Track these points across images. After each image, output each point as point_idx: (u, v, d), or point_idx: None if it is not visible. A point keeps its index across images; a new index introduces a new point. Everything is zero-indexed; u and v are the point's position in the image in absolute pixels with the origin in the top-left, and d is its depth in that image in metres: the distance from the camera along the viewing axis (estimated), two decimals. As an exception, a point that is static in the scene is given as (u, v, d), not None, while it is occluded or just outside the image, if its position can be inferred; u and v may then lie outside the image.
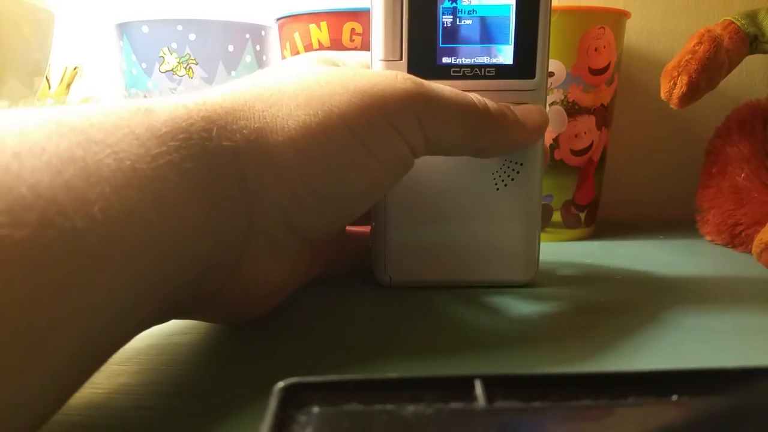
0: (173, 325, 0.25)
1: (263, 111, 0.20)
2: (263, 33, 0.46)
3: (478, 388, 0.14)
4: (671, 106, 0.38)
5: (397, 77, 0.22)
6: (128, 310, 0.16)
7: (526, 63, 0.27)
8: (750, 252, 0.36)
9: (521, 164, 0.29)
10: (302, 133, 0.20)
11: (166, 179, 0.17)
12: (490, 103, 0.25)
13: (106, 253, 0.15)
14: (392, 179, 0.23)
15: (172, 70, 0.44)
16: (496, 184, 0.29)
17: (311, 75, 0.22)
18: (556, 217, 0.42)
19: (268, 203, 0.20)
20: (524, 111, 0.26)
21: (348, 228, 0.33)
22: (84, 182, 0.15)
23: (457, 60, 0.27)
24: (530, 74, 0.27)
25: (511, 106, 0.26)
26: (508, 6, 0.27)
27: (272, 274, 0.22)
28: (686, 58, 0.38)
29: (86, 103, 0.49)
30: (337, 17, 0.39)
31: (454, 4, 0.27)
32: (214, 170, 0.19)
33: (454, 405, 0.14)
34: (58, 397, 0.15)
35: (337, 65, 0.25)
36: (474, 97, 0.24)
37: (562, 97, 0.40)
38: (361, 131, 0.21)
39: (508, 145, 0.26)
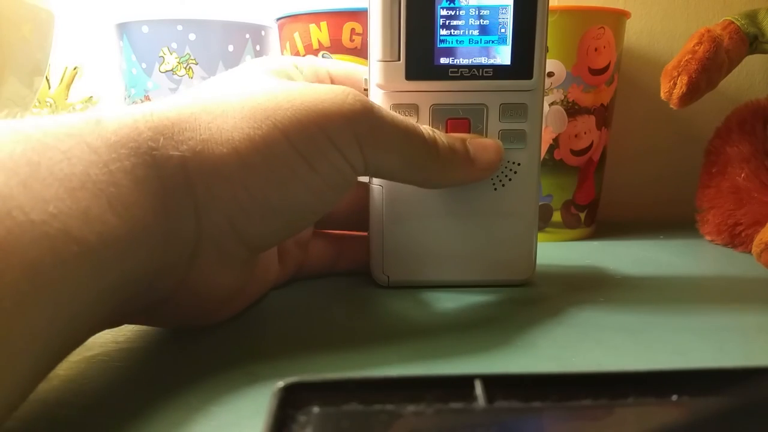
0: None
1: (209, 122, 0.21)
2: (263, 33, 0.46)
3: (478, 388, 0.14)
4: (671, 106, 0.38)
5: (347, 96, 0.22)
6: (89, 304, 0.16)
7: (523, 63, 0.27)
8: (750, 252, 0.36)
9: (519, 164, 0.29)
10: (246, 145, 0.21)
11: (119, 184, 0.17)
12: (441, 137, 0.26)
13: (64, 243, 0.15)
14: (335, 193, 0.24)
15: (172, 70, 0.44)
16: (493, 184, 0.29)
17: (259, 88, 0.22)
18: (556, 217, 0.42)
19: (215, 212, 0.21)
20: (479, 147, 0.27)
21: (348, 232, 0.33)
22: (39, 183, 0.15)
23: (455, 60, 0.27)
24: (528, 75, 0.27)
25: (469, 141, 0.27)
26: (506, 6, 0.27)
27: (222, 282, 0.22)
28: (686, 58, 0.37)
29: (88, 106, 0.49)
30: (337, 17, 0.39)
31: (451, 5, 0.27)
32: (163, 179, 0.19)
33: (454, 405, 0.14)
34: (18, 387, 0.15)
35: (290, 75, 0.26)
36: (425, 130, 0.25)
37: (562, 97, 0.40)
38: (302, 145, 0.21)
39: (452, 181, 0.27)
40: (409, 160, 0.25)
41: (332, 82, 0.28)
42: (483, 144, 0.27)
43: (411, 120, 0.25)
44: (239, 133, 0.21)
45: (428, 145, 0.25)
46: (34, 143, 0.16)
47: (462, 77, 0.27)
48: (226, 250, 0.22)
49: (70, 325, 0.16)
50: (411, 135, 0.24)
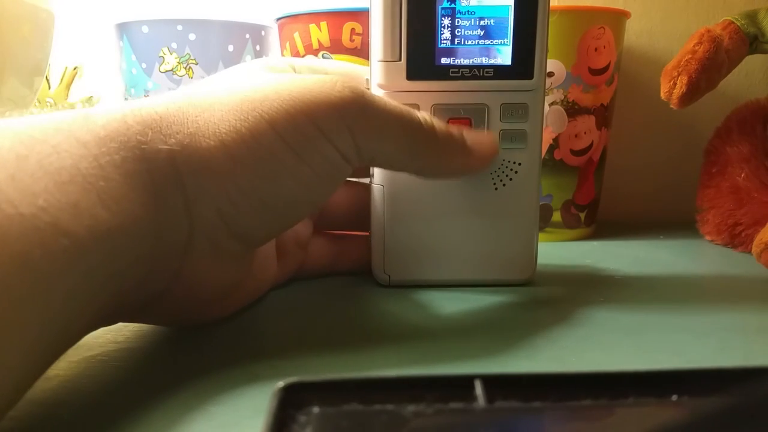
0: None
1: (196, 116, 0.21)
2: (263, 33, 0.46)
3: (478, 388, 0.14)
4: (671, 106, 0.38)
5: (336, 85, 0.22)
6: (80, 298, 0.16)
7: (524, 63, 0.27)
8: (750, 252, 0.36)
9: (519, 164, 0.29)
10: (233, 137, 0.20)
11: (108, 178, 0.17)
12: (438, 124, 0.25)
13: (54, 237, 0.15)
14: (327, 185, 0.23)
15: (172, 70, 0.44)
16: (494, 184, 0.29)
17: (248, 81, 0.22)
18: (556, 217, 0.42)
19: (205, 207, 0.21)
20: (475, 138, 0.27)
21: (348, 232, 0.33)
22: (28, 177, 0.15)
23: (456, 60, 0.27)
24: (528, 75, 0.27)
25: (465, 131, 0.26)
26: (506, 7, 0.27)
27: (216, 277, 0.22)
28: (686, 58, 0.37)
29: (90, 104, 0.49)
30: (337, 17, 0.39)
31: (452, 5, 0.27)
32: (153, 173, 0.19)
33: (454, 405, 0.14)
34: (14, 384, 0.15)
35: (287, 72, 0.26)
36: (421, 116, 0.25)
37: (562, 97, 0.40)
38: (289, 136, 0.21)
39: (449, 169, 0.26)
40: (405, 147, 0.24)
41: None
42: (478, 135, 0.27)
43: (407, 106, 0.24)
44: (226, 126, 0.20)
45: (425, 130, 0.24)
46: (23, 137, 0.16)
47: (463, 77, 0.27)
48: (219, 244, 0.21)
49: (63, 319, 0.16)
50: (406, 120, 0.24)
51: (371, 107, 0.23)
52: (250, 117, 0.21)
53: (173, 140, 0.20)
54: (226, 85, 0.22)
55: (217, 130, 0.20)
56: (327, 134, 0.22)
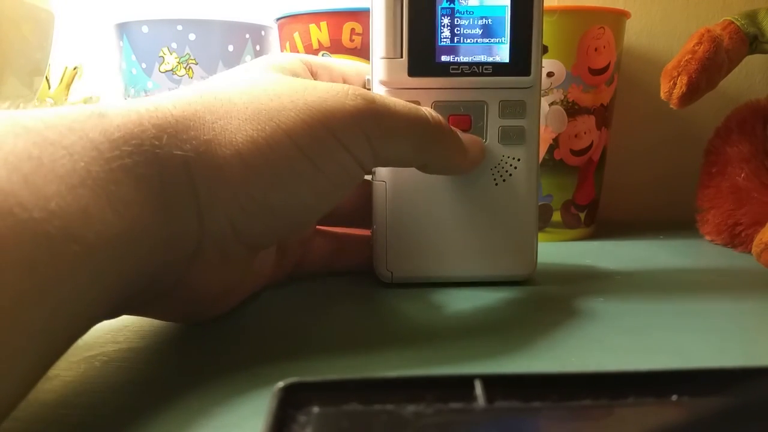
0: (171, 325, 0.25)
1: (213, 123, 0.21)
2: (263, 33, 0.47)
3: (478, 388, 0.14)
4: (671, 106, 0.38)
5: (348, 93, 0.22)
6: (88, 302, 0.16)
7: (521, 61, 0.28)
8: (750, 252, 0.36)
9: (519, 159, 0.29)
10: (249, 147, 0.21)
11: (119, 182, 0.17)
12: (442, 118, 0.26)
13: (64, 242, 0.15)
14: (339, 192, 0.24)
15: (172, 70, 0.44)
16: (494, 180, 0.29)
17: (262, 87, 0.22)
18: (556, 216, 0.42)
19: (217, 214, 0.21)
20: (467, 139, 0.27)
21: (349, 231, 0.33)
22: (41, 179, 0.15)
23: (456, 58, 0.28)
24: (525, 72, 0.28)
25: (458, 131, 0.27)
26: (503, 6, 0.28)
27: (221, 280, 0.23)
28: (686, 58, 0.37)
29: (85, 104, 0.49)
30: (337, 17, 0.39)
31: (451, 5, 0.27)
32: (165, 177, 0.19)
33: (454, 405, 0.14)
34: (18, 386, 0.15)
35: (297, 73, 0.26)
36: (426, 111, 0.25)
37: (562, 97, 0.40)
38: (307, 146, 0.21)
39: (453, 161, 0.27)
40: (417, 143, 0.25)
41: (345, 81, 0.29)
42: (470, 137, 0.28)
43: (411, 104, 0.25)
44: (243, 136, 0.21)
45: (432, 124, 0.25)
46: (36, 137, 0.16)
47: (462, 74, 0.28)
48: (227, 249, 0.22)
49: (70, 322, 0.16)
50: (415, 117, 0.24)
51: (384, 111, 0.23)
52: (267, 127, 0.21)
53: (188, 146, 0.20)
54: (241, 88, 0.22)
55: (234, 140, 0.20)
56: (344, 143, 0.22)
